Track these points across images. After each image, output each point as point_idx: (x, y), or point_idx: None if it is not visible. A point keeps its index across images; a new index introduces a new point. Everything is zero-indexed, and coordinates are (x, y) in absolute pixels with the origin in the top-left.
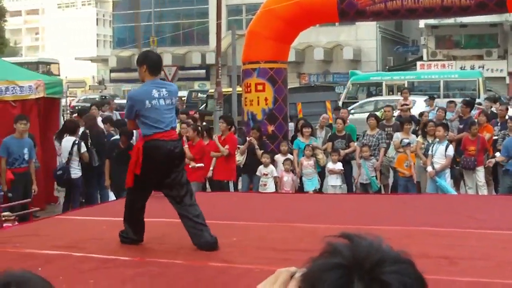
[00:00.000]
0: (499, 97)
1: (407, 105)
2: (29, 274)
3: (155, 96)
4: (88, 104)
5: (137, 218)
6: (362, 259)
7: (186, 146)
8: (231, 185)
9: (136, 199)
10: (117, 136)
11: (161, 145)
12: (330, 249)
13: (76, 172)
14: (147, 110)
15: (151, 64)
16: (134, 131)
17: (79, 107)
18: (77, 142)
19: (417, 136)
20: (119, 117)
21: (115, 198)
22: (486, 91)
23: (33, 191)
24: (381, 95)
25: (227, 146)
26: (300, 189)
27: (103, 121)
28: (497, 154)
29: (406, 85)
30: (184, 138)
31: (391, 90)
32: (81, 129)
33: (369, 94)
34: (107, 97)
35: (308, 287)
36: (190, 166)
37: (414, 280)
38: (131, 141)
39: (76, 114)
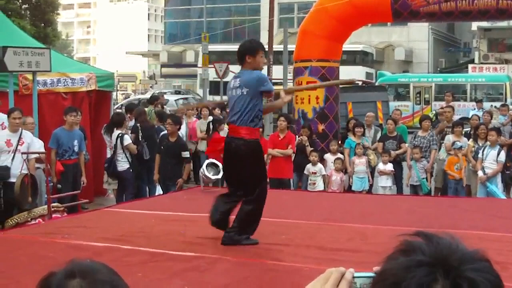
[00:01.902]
0: None
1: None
2: (95, 264)
3: (230, 87)
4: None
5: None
6: (445, 257)
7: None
8: (291, 182)
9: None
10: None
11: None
12: (409, 247)
13: (122, 164)
14: (229, 99)
15: (238, 56)
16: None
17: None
18: (120, 135)
19: (468, 139)
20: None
21: (161, 192)
22: None
23: (82, 183)
24: (409, 96)
25: (290, 146)
26: (349, 188)
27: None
28: (480, 172)
29: (433, 88)
30: None
31: (418, 92)
32: (131, 123)
33: (397, 96)
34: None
35: (389, 285)
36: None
37: (496, 278)
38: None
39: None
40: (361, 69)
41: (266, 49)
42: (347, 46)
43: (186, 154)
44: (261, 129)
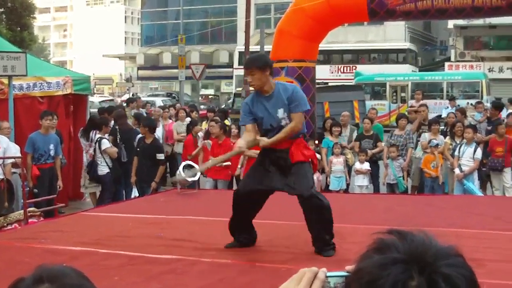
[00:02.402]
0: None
1: (413, 106)
2: (64, 268)
3: None
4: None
5: None
6: (419, 253)
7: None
8: None
9: None
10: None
11: None
12: (383, 245)
13: (102, 169)
14: None
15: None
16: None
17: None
18: (99, 139)
19: (445, 137)
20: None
21: (137, 195)
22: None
23: (58, 187)
24: (385, 95)
25: None
26: (326, 188)
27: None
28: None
29: (409, 86)
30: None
31: (394, 91)
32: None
33: (374, 95)
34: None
35: (364, 284)
36: (217, 165)
37: (470, 273)
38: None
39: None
40: (408, 68)
41: (243, 50)
42: (393, 45)
43: (160, 156)
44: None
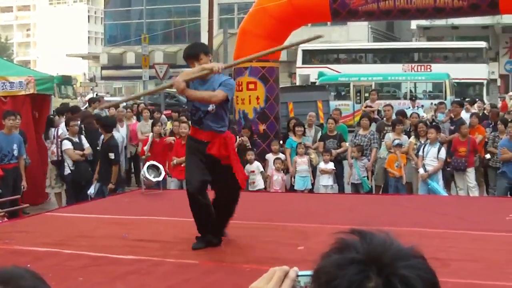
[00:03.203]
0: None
1: (371, 107)
2: (19, 270)
3: None
4: None
5: None
6: (378, 254)
7: (146, 147)
8: None
9: None
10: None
11: None
12: (343, 245)
13: (66, 169)
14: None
15: None
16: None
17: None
18: (61, 140)
19: (409, 137)
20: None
21: (93, 191)
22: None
23: (22, 187)
24: (349, 95)
25: None
26: (291, 188)
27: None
28: (420, 170)
29: (373, 86)
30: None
31: (358, 91)
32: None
33: (338, 95)
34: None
35: (323, 284)
36: (175, 162)
37: (430, 274)
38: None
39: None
40: (485, 67)
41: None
42: (469, 43)
43: (111, 155)
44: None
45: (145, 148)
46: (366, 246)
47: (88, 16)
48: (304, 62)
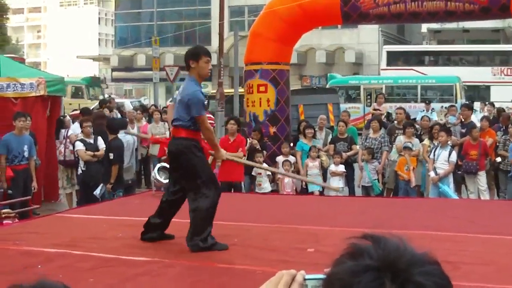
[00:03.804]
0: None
1: (379, 110)
2: (52, 283)
3: (179, 91)
4: None
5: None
6: (393, 260)
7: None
8: (243, 185)
9: None
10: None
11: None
12: (356, 251)
13: (79, 170)
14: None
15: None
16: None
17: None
18: (74, 141)
19: (420, 141)
20: (120, 116)
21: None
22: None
23: (33, 188)
24: (359, 98)
25: (240, 149)
26: (304, 190)
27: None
28: (431, 173)
29: (383, 89)
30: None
31: (369, 94)
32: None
33: (348, 98)
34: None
35: None
36: None
37: (445, 281)
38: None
39: (79, 112)
40: None
41: (217, 53)
42: None
43: (110, 155)
44: None
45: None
46: (381, 252)
47: (99, 18)
48: (388, 64)
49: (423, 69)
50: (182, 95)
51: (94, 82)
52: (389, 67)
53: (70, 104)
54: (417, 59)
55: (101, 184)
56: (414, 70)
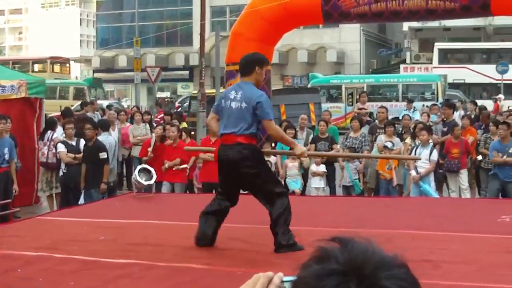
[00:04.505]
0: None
1: (364, 109)
2: None
3: (230, 97)
4: None
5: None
6: (359, 264)
7: (150, 148)
8: None
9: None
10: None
11: (219, 149)
12: (323, 254)
13: (60, 172)
14: (222, 109)
15: (240, 66)
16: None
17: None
18: (54, 143)
19: (402, 140)
20: (100, 118)
21: (83, 202)
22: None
23: (14, 191)
24: (341, 98)
25: None
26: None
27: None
28: (412, 172)
29: (365, 89)
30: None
31: (350, 93)
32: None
33: (330, 97)
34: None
35: None
36: (166, 166)
37: (412, 285)
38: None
39: (59, 114)
40: None
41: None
42: None
43: (103, 155)
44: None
45: (149, 149)
46: (347, 255)
47: (80, 19)
48: (440, 61)
49: (475, 67)
50: (245, 100)
51: (96, 83)
52: (440, 65)
53: (72, 105)
54: (469, 56)
55: (82, 192)
56: (467, 68)
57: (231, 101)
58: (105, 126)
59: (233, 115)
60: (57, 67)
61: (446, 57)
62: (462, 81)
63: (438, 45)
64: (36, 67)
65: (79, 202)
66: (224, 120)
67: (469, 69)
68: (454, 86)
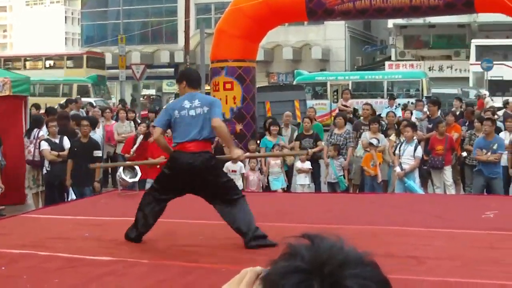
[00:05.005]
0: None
1: (347, 107)
2: None
3: (185, 107)
4: None
5: (143, 215)
6: (323, 262)
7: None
8: None
9: (152, 198)
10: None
11: (181, 157)
12: (290, 251)
13: (44, 170)
14: (175, 121)
15: (189, 79)
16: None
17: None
18: (40, 140)
19: (386, 136)
20: (85, 115)
21: (75, 197)
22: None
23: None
24: (326, 95)
25: None
26: (267, 188)
27: (72, 119)
28: (397, 168)
29: (350, 86)
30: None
31: (335, 90)
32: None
33: (315, 94)
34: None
35: None
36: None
37: (377, 284)
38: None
39: (43, 112)
40: None
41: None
42: None
43: (98, 153)
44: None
45: (132, 150)
46: (313, 253)
47: (65, 17)
48: (477, 58)
49: None
50: (206, 104)
51: (100, 80)
52: (478, 62)
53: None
54: (506, 53)
55: (70, 189)
56: (505, 65)
57: (188, 110)
58: (93, 123)
59: (194, 122)
60: (92, 63)
61: (483, 54)
62: (500, 78)
63: (475, 42)
64: (70, 63)
65: (72, 198)
66: (182, 128)
67: (508, 66)
68: (493, 83)
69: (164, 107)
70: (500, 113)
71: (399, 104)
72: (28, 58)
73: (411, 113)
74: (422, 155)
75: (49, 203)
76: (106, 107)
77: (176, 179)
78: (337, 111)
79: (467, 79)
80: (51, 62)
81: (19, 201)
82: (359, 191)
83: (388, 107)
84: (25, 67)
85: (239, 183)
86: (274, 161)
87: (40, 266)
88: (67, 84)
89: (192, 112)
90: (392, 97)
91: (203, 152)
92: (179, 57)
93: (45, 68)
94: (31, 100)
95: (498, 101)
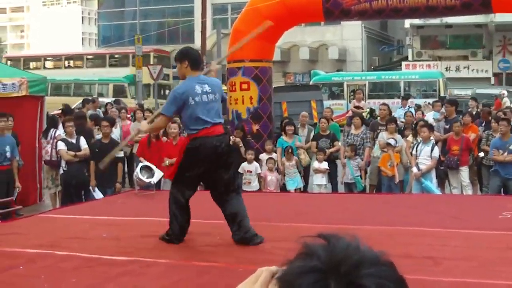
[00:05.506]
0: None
1: (361, 108)
2: None
3: (198, 93)
4: None
5: (174, 214)
6: (339, 261)
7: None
8: None
9: (178, 194)
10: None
11: (207, 141)
12: (306, 251)
13: (61, 170)
14: (191, 107)
15: (192, 59)
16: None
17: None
18: (56, 140)
19: (403, 137)
20: (102, 115)
21: (102, 196)
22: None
23: (16, 189)
24: (343, 95)
25: None
26: (283, 188)
27: (90, 119)
28: (414, 169)
29: (367, 86)
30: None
31: (352, 90)
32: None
33: (331, 95)
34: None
35: None
36: (167, 163)
37: (394, 283)
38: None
39: (60, 111)
40: None
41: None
42: None
43: (119, 153)
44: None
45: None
46: (329, 252)
47: (82, 17)
48: None
49: None
50: (216, 91)
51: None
52: None
53: None
54: None
55: (95, 189)
56: None
57: (201, 96)
58: (111, 123)
59: (210, 107)
60: (157, 60)
61: None
62: None
63: None
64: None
65: (99, 198)
66: (201, 114)
67: None
68: None
69: (172, 94)
70: None
71: (416, 105)
72: (89, 57)
73: (423, 114)
74: (439, 156)
75: (66, 203)
76: (122, 107)
77: (200, 164)
78: (350, 113)
79: (485, 79)
80: (113, 61)
81: (36, 201)
82: (376, 192)
83: (401, 107)
84: (85, 65)
85: (255, 184)
86: (288, 162)
87: (57, 266)
88: (103, 84)
89: (205, 98)
90: (405, 98)
91: (225, 134)
92: None
93: (109, 66)
94: (65, 100)
95: None
